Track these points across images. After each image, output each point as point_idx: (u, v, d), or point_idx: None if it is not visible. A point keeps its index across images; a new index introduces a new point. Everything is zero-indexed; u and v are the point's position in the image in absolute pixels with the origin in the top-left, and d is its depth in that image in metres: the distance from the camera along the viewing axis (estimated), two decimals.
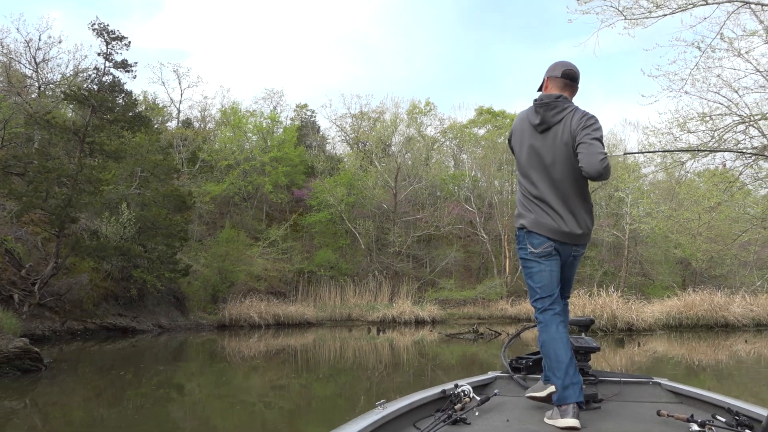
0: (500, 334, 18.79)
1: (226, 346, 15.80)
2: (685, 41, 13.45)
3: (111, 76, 16.63)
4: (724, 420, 2.40)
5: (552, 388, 2.71)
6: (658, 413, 2.58)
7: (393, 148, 37.85)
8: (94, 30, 15.92)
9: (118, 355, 12.95)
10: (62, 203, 14.11)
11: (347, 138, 41.16)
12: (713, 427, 2.32)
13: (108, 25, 15.92)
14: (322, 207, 31.57)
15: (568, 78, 2.95)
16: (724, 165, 14.58)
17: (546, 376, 2.84)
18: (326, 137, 42.99)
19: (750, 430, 2.28)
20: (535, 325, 4.55)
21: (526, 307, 26.48)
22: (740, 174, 14.96)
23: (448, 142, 40.85)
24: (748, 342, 16.79)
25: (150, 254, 17.20)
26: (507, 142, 3.14)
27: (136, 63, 16.61)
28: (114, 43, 15.93)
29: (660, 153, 14.96)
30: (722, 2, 12.41)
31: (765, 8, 12.73)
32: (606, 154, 2.74)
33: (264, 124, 35.57)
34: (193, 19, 63.87)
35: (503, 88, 66.87)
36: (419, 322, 24.63)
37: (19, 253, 14.75)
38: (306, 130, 40.99)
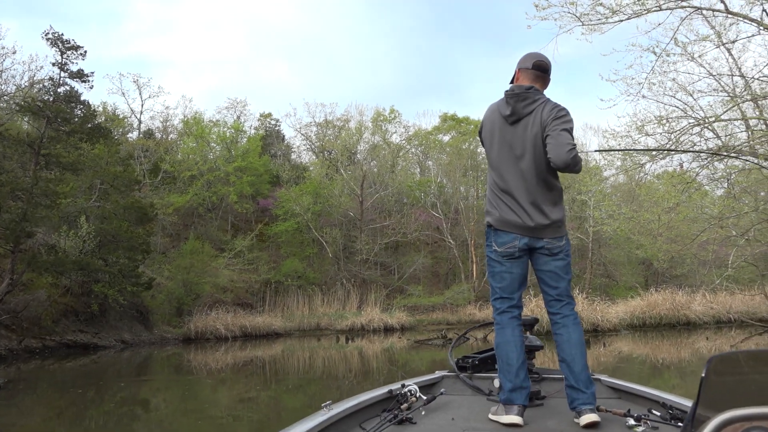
0: (468, 339, 18.84)
1: (192, 359, 15.49)
2: (641, 46, 13.77)
3: (67, 87, 16.23)
4: (658, 414, 2.52)
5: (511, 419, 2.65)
6: (598, 408, 2.63)
7: (358, 155, 37.84)
8: (48, 39, 15.52)
9: (79, 373, 12.56)
10: (17, 217, 13.65)
11: (312, 146, 41.02)
12: (648, 421, 2.43)
13: (62, 34, 15.54)
14: (288, 216, 31.30)
15: (539, 69, 2.93)
16: (681, 166, 14.97)
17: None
18: (291, 146, 42.73)
19: (681, 422, 2.37)
20: (481, 325, 4.76)
21: None
22: (697, 175, 15.37)
23: (413, 149, 41.03)
24: (709, 339, 17.22)
25: (111, 268, 16.77)
26: (478, 134, 3.08)
27: (93, 73, 16.26)
28: (69, 52, 15.54)
29: (623, 153, 15.23)
30: (675, 8, 12.77)
31: (716, 14, 13.15)
32: (574, 145, 2.72)
33: (227, 133, 35.15)
34: (154, 29, 62.96)
35: (467, 95, 67.58)
36: (388, 330, 24.58)
37: None
38: (270, 139, 40.66)
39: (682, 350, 15.01)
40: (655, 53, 13.47)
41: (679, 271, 31.46)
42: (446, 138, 40.47)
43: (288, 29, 67.34)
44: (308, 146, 41.53)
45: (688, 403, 2.54)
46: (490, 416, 2.68)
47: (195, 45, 62.84)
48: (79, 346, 16.51)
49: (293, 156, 41.69)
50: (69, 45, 15.48)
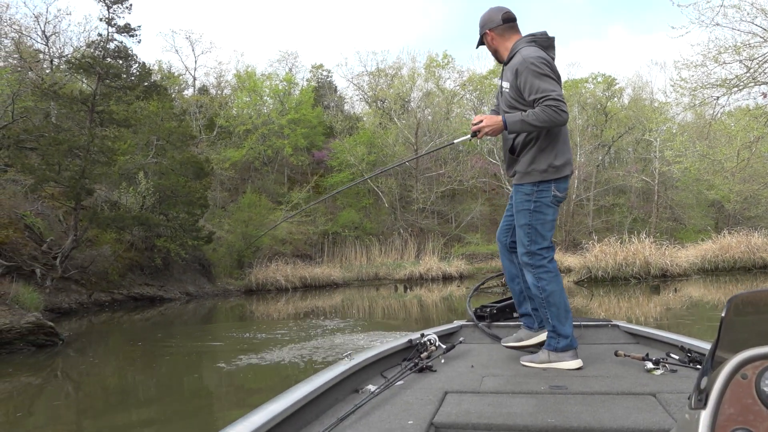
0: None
1: (254, 310, 15.72)
2: None
3: (117, 42, 16.21)
4: (677, 357, 2.56)
5: (542, 337, 2.81)
6: (616, 353, 2.72)
7: (412, 104, 37.07)
8: None
9: (147, 324, 12.91)
10: (76, 175, 13.89)
11: (365, 96, 40.46)
12: (667, 364, 2.49)
13: None
14: (343, 167, 31.21)
15: (510, 20, 2.92)
16: (765, 95, 13.75)
17: (527, 323, 3.02)
18: (344, 97, 42.35)
19: (700, 364, 2.32)
20: (496, 275, 5.09)
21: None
22: None
23: (468, 95, 39.83)
24: None
25: (171, 223, 17.06)
26: (555, 73, 2.82)
27: (139, 26, 16.15)
28: (115, 6, 15.43)
29: (694, 88, 14.15)
30: None
31: None
32: None
33: (280, 86, 35.03)
34: None
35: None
36: (446, 278, 24.41)
37: (40, 228, 14.65)
38: (323, 90, 40.36)
39: None
40: None
41: (753, 212, 29.90)
42: None
43: None
44: (361, 96, 41.04)
45: (707, 346, 2.50)
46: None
47: None
48: (146, 298, 17.03)
49: (346, 106, 41.34)
50: None
